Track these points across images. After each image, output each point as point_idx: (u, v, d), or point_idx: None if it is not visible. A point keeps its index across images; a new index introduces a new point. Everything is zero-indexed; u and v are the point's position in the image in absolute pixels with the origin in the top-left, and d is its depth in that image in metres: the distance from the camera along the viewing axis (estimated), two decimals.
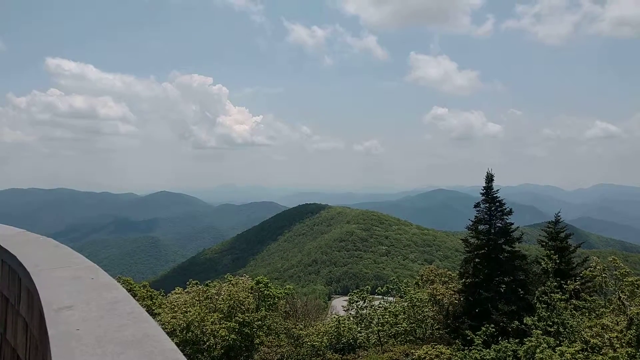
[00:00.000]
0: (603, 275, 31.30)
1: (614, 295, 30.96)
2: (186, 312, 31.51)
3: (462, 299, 36.19)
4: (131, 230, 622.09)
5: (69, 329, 3.19)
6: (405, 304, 39.48)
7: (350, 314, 40.17)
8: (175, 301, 34.28)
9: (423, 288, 41.89)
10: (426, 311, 38.37)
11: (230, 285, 36.76)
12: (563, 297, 30.10)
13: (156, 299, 38.43)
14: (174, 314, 31.45)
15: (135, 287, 37.56)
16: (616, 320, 26.83)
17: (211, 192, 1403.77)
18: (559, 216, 39.78)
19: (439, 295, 37.52)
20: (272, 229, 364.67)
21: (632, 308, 25.72)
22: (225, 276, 40.25)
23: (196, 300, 34.71)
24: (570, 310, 29.64)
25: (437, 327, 37.95)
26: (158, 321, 30.80)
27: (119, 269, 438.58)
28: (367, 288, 41.79)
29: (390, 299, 44.48)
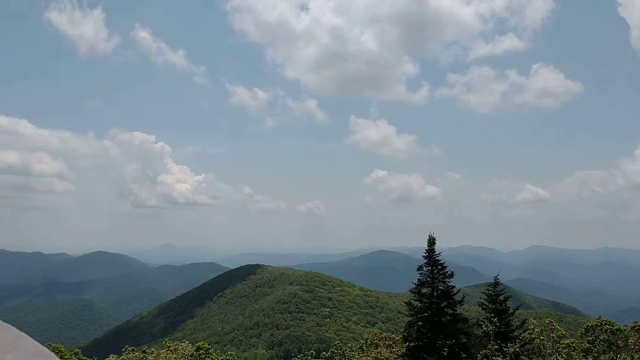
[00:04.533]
0: (541, 337, 32.11)
1: (551, 358, 31.73)
2: None
3: None
4: (62, 293, 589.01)
5: None
6: None
7: None
8: None
9: (367, 352, 41.50)
10: None
11: (168, 351, 35.16)
12: None
13: None
14: None
15: (66, 354, 35.25)
16: None
17: (151, 252, 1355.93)
18: (497, 278, 40.87)
19: (383, 359, 37.23)
20: (212, 291, 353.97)
21: None
22: (164, 342, 38.53)
23: None
24: None
25: None
26: None
27: (48, 334, 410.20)
28: (312, 353, 41.03)
29: None
